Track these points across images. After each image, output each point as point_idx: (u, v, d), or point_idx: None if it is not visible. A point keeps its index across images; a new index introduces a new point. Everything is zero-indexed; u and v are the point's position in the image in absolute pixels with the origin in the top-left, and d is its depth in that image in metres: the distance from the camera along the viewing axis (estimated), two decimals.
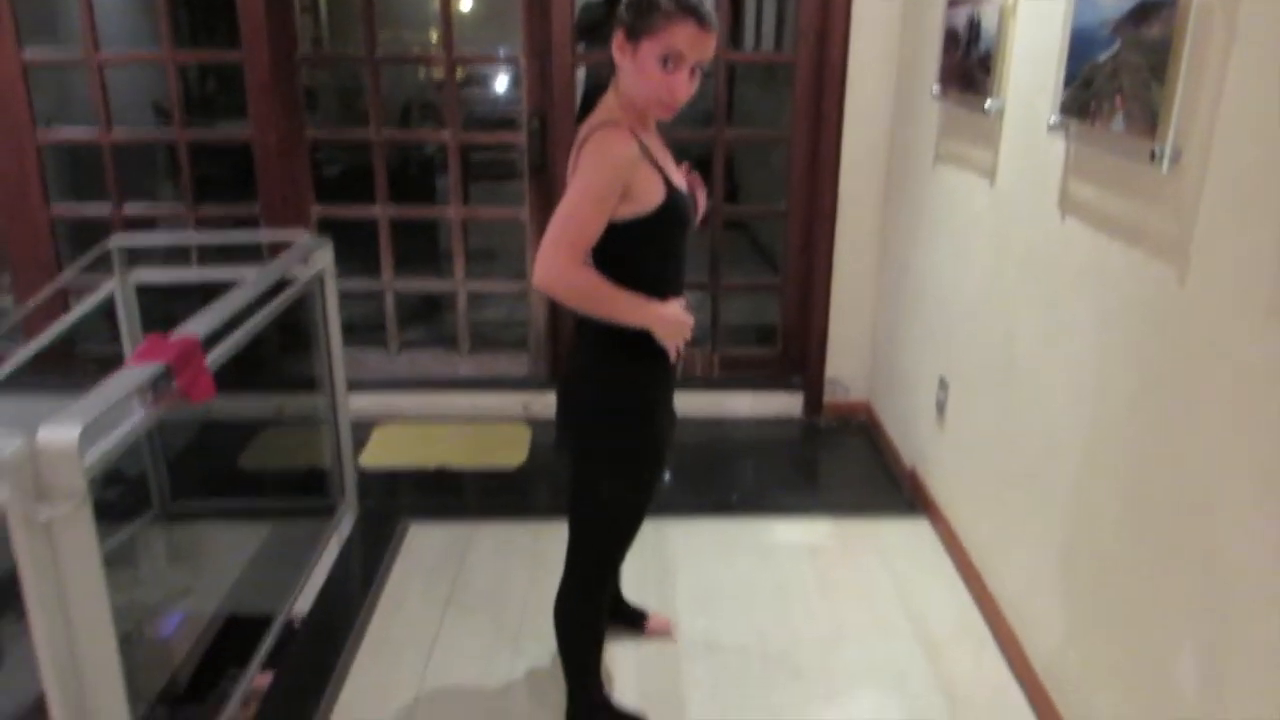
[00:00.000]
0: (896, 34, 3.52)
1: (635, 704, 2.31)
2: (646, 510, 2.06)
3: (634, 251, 1.82)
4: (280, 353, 3.98)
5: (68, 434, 1.58)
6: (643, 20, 1.74)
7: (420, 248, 4.84)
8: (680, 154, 2.08)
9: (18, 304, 3.99)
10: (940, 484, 3.08)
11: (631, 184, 1.75)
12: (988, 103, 2.57)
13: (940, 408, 3.03)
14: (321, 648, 2.54)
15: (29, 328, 3.82)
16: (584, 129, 1.81)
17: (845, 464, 3.65)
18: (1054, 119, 2.17)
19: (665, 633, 2.56)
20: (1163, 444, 1.80)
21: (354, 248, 4.01)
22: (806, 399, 3.95)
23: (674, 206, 1.82)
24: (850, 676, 2.43)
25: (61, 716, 1.67)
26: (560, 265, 1.72)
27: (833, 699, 2.35)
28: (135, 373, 1.83)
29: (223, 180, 4.53)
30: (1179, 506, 1.74)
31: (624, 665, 2.46)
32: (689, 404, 3.91)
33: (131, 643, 2.91)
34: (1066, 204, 2.19)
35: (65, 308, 3.66)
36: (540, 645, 2.52)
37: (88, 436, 1.62)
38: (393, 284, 3.94)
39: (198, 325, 2.08)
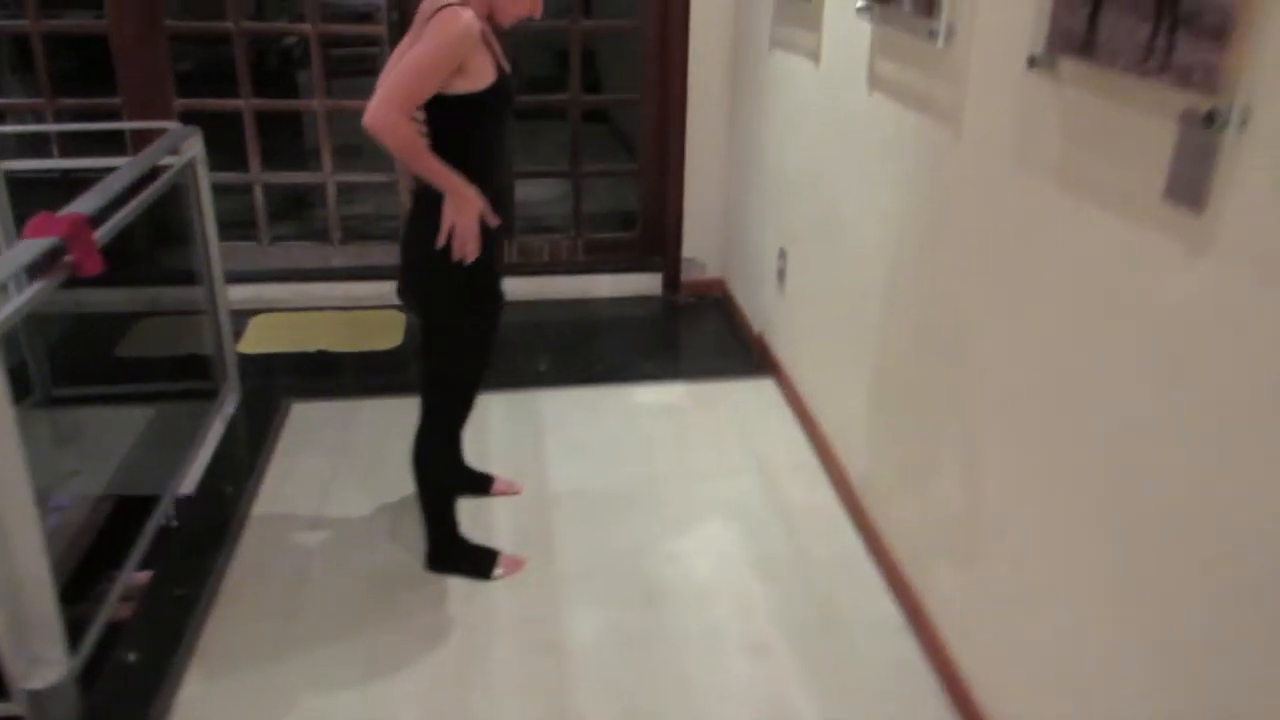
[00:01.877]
0: None
1: (510, 543, 2.60)
2: (489, 350, 2.33)
3: (465, 124, 2.08)
4: (153, 245, 4.03)
5: None
6: None
7: (285, 144, 4.87)
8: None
9: None
10: (782, 345, 3.42)
11: (468, 61, 2.01)
12: None
13: (780, 276, 3.35)
14: (214, 514, 2.72)
15: None
16: (427, 6, 2.03)
17: (701, 335, 3.97)
18: (861, 2, 2.44)
19: (513, 492, 2.82)
20: (938, 281, 2.14)
21: (219, 143, 4.05)
22: (665, 278, 4.23)
23: (501, 87, 2.09)
24: (701, 509, 2.76)
25: None
26: (390, 115, 1.97)
27: (685, 528, 2.68)
28: (29, 245, 1.96)
29: (75, 74, 4.46)
30: (949, 329, 2.08)
31: (499, 514, 2.73)
32: (555, 287, 4.18)
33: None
34: (874, 80, 2.48)
35: None
36: (415, 505, 2.76)
37: None
38: (260, 176, 4.02)
39: (84, 204, 2.20)
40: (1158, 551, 1.44)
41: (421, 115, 2.07)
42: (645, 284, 4.25)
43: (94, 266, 2.11)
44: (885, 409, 2.50)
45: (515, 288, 4.07)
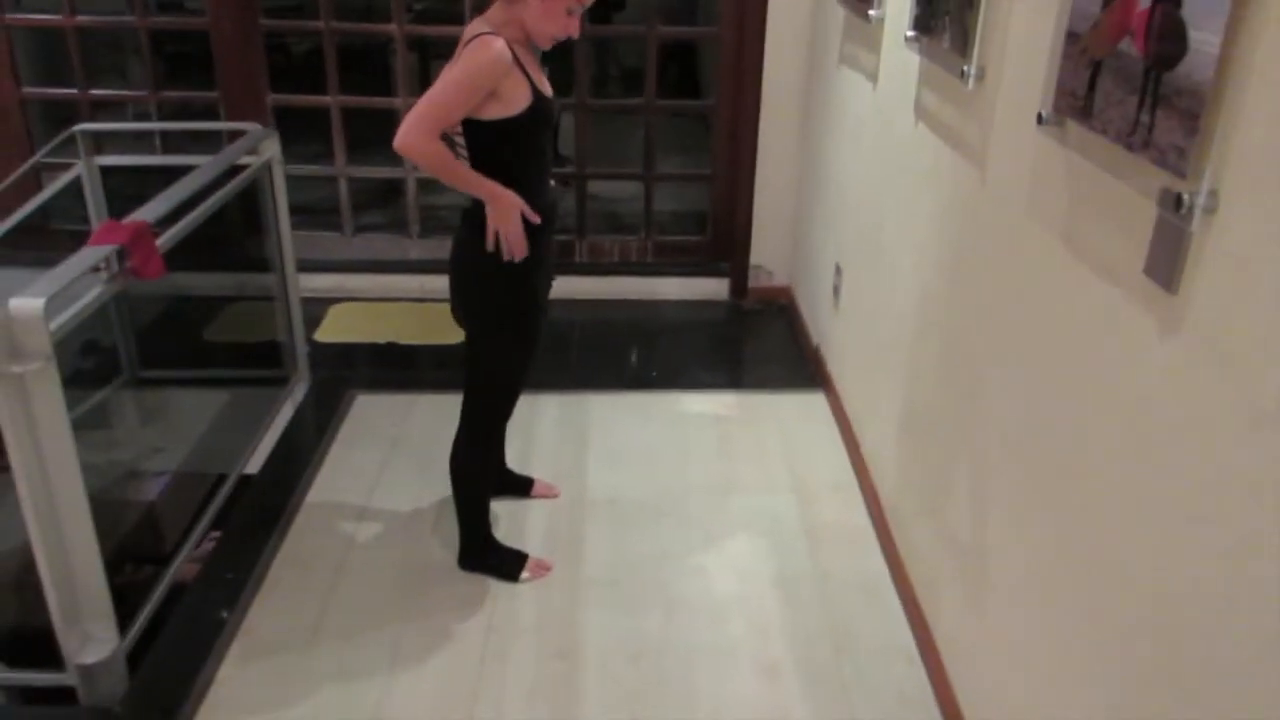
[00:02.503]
0: None
1: (540, 548, 2.69)
2: (529, 365, 2.42)
3: (502, 148, 2.16)
4: (245, 234, 4.25)
5: (35, 304, 1.89)
6: None
7: (380, 131, 5.03)
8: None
9: None
10: (835, 361, 3.42)
11: (501, 87, 2.08)
12: (871, 11, 2.81)
13: (836, 291, 3.35)
14: (270, 501, 2.89)
15: (4, 204, 4.08)
16: (469, 30, 2.13)
17: (761, 344, 3.99)
18: (910, 32, 2.42)
19: (552, 496, 2.91)
20: (958, 316, 2.13)
21: (315, 132, 4.24)
22: (732, 283, 4.25)
23: (538, 109, 2.15)
24: (731, 523, 2.81)
25: (41, 543, 2.03)
26: (420, 135, 2.06)
27: (713, 542, 2.73)
28: (92, 252, 2.13)
29: (198, 57, 4.69)
30: (965, 366, 2.08)
31: (534, 516, 2.83)
32: (622, 287, 4.24)
33: (120, 503, 3.29)
34: (919, 110, 2.47)
35: (39, 185, 3.90)
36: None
37: (52, 306, 1.93)
38: (345, 170, 4.19)
39: (148, 211, 2.37)
40: (1129, 614, 1.44)
41: (461, 140, 2.17)
42: (712, 288, 4.28)
43: (154, 271, 2.27)
44: (912, 434, 2.50)
45: (583, 286, 4.19)
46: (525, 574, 2.57)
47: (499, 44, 2.06)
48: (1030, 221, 1.78)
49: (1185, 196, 1.24)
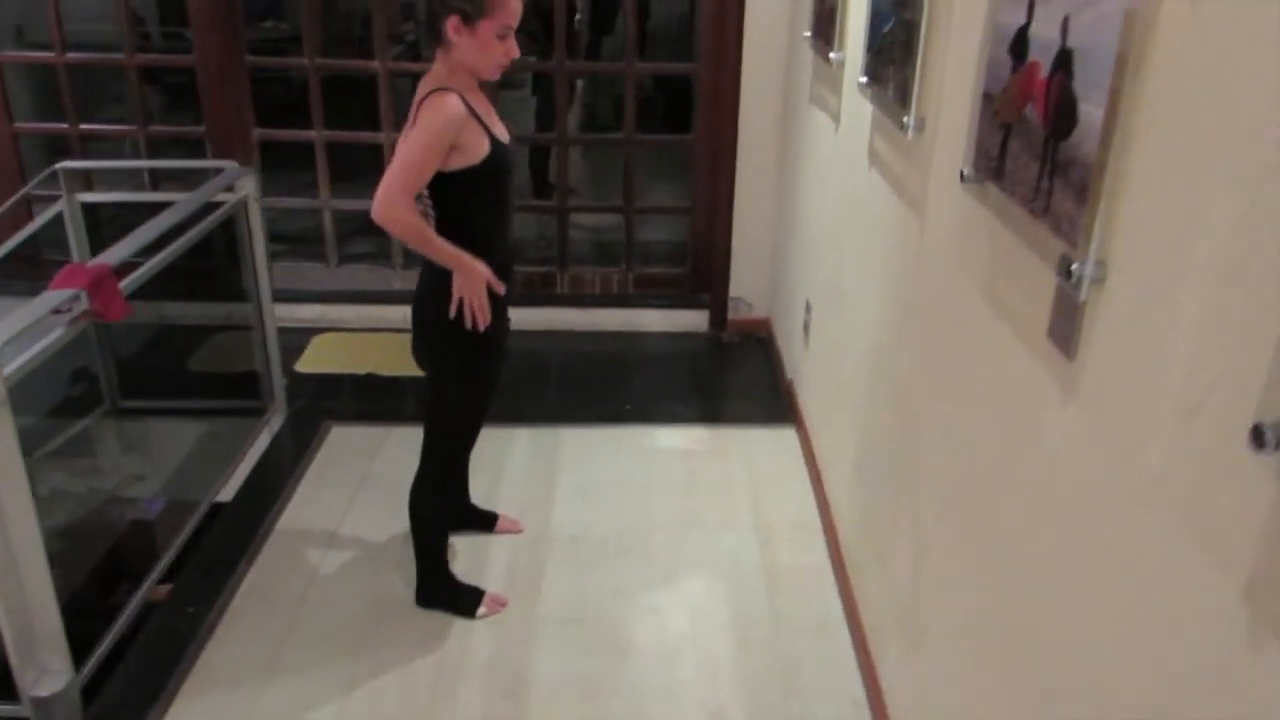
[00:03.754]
0: None
1: (501, 583, 2.71)
2: (488, 407, 2.47)
3: (466, 197, 2.20)
4: (229, 264, 4.31)
5: None
6: (476, 6, 2.09)
7: (368, 162, 5.10)
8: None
9: None
10: (806, 397, 3.44)
11: (459, 139, 2.12)
12: (832, 54, 2.84)
13: (806, 328, 3.37)
14: (239, 531, 2.93)
15: None
16: (421, 89, 2.16)
17: (738, 377, 4.01)
18: (862, 79, 2.45)
19: (515, 531, 2.93)
20: (902, 365, 2.15)
21: (306, 158, 4.30)
22: (712, 315, 4.28)
23: (497, 158, 2.19)
24: (691, 562, 2.82)
25: None
26: (393, 208, 2.10)
27: (671, 581, 2.75)
28: (50, 297, 2.17)
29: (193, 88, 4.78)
30: (905, 416, 2.09)
31: (496, 552, 2.85)
32: (604, 319, 4.27)
33: (117, 523, 3.34)
34: (872, 156, 2.49)
35: (30, 216, 3.97)
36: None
37: (7, 352, 1.98)
38: (329, 203, 4.24)
39: (113, 254, 2.42)
40: (1044, 673, 1.45)
41: (426, 192, 2.20)
42: (693, 320, 4.31)
43: (116, 313, 2.32)
44: (866, 478, 2.52)
45: (563, 318, 4.23)
46: (482, 609, 2.60)
47: (451, 99, 2.10)
48: (961, 275, 1.80)
49: (1075, 266, 1.26)
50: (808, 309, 3.34)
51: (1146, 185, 1.15)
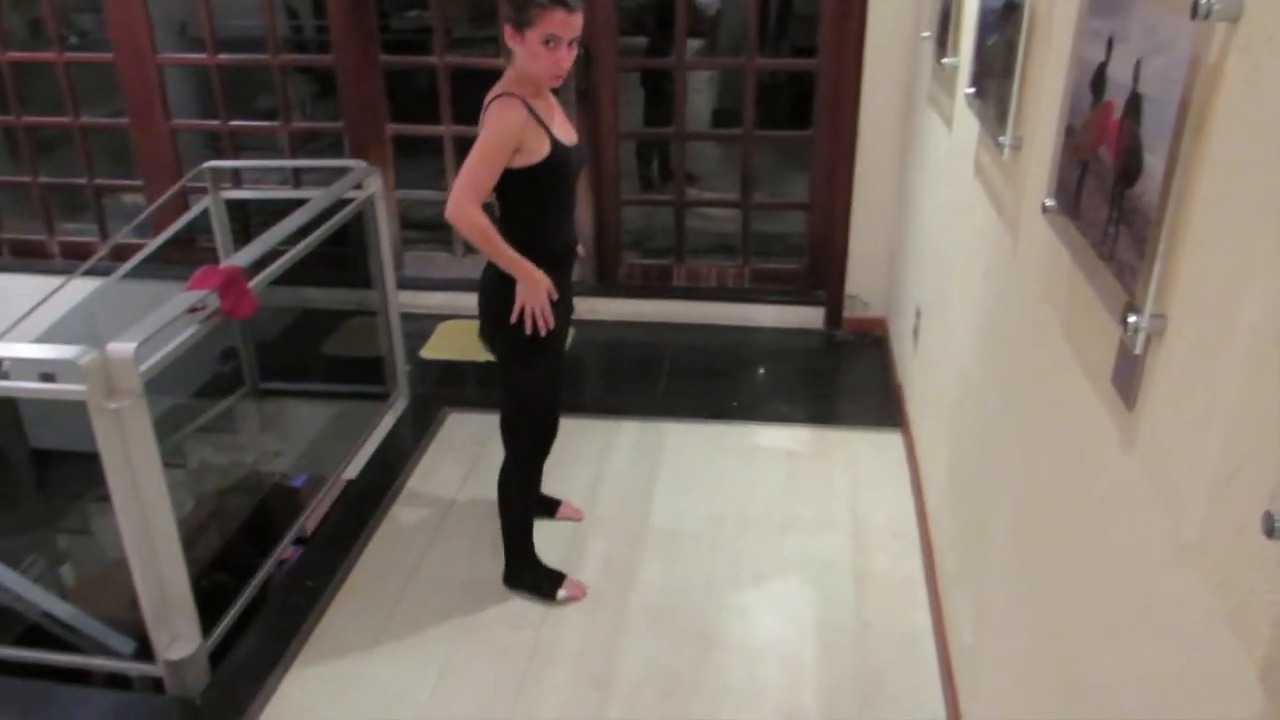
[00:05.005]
0: None
1: (596, 575, 2.81)
2: (556, 393, 2.61)
3: (529, 193, 2.33)
4: (363, 253, 4.54)
5: (127, 348, 2.13)
6: (522, 15, 2.21)
7: None
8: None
9: (148, 201, 4.66)
10: (913, 403, 3.40)
11: (523, 142, 2.25)
12: (945, 59, 2.79)
13: (915, 333, 3.33)
14: (357, 512, 3.12)
15: (157, 222, 4.49)
16: (488, 96, 2.30)
17: (848, 377, 3.99)
18: (969, 89, 2.41)
19: (576, 518, 3.04)
20: (992, 387, 2.12)
21: (435, 149, 4.49)
22: (827, 313, 4.26)
23: (557, 158, 2.31)
24: (783, 564, 2.85)
25: (135, 555, 2.28)
26: (464, 209, 2.24)
27: (762, 582, 2.79)
28: (185, 298, 2.37)
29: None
30: (990, 433, 2.07)
31: (595, 544, 2.95)
32: (717, 313, 4.31)
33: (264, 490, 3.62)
34: (977, 167, 2.45)
35: (186, 206, 4.28)
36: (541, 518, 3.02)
37: (143, 349, 2.17)
38: None
39: (244, 255, 2.61)
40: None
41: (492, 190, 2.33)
42: (807, 317, 4.30)
43: (245, 311, 2.50)
44: (956, 493, 2.50)
45: (678, 311, 4.30)
46: (562, 593, 2.71)
47: (512, 105, 2.23)
48: (1044, 305, 1.77)
49: (1132, 319, 1.24)
50: (918, 314, 3.30)
51: (1205, 242, 1.13)
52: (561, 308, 2.49)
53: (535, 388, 2.56)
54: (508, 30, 2.23)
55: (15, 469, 3.73)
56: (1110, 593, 1.34)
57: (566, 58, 2.25)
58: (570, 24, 2.20)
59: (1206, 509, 1.08)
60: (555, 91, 2.40)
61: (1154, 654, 1.18)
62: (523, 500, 2.71)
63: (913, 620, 2.64)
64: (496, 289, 2.41)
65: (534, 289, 2.33)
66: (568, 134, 2.38)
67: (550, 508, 3.05)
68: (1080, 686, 1.45)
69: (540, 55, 2.21)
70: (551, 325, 2.38)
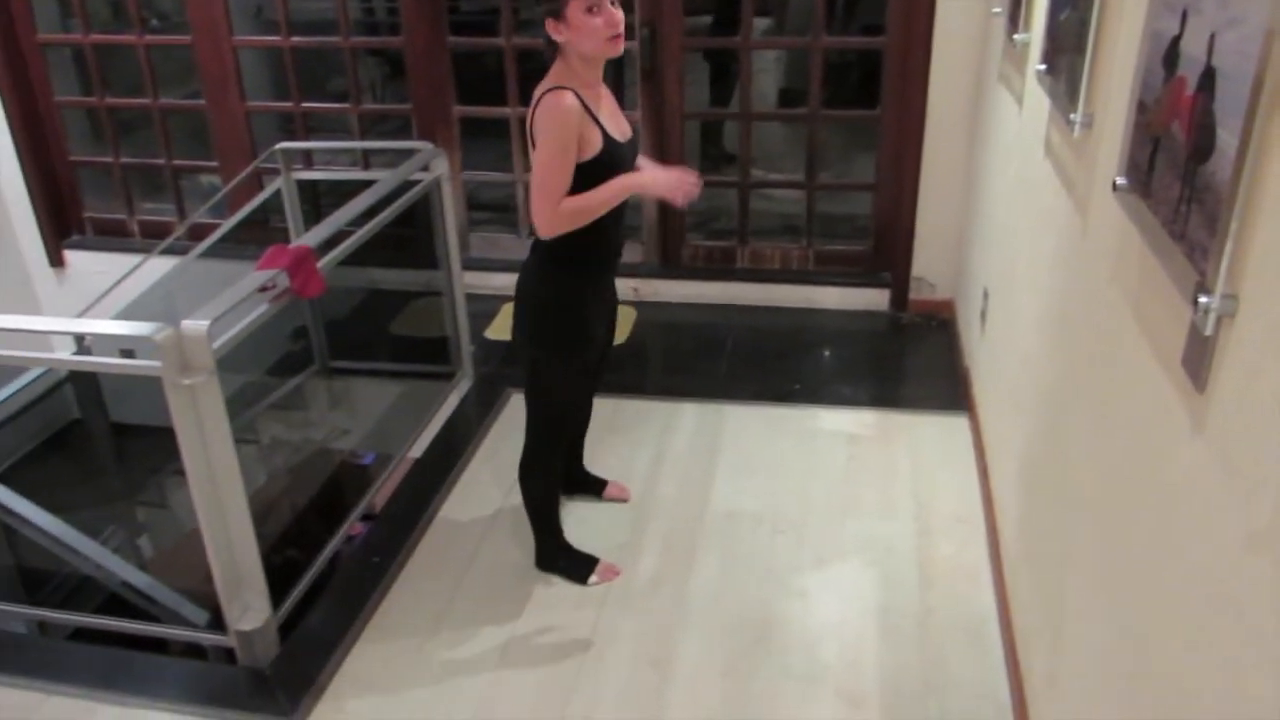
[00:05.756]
0: None
1: (656, 559, 2.82)
2: (584, 388, 2.66)
3: (579, 190, 2.27)
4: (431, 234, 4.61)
5: (200, 326, 2.19)
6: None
7: None
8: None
9: (224, 182, 4.78)
10: (979, 387, 3.35)
11: (580, 134, 2.21)
12: (1016, 35, 2.73)
13: (983, 316, 3.27)
14: (421, 491, 3.17)
15: (233, 202, 4.61)
16: (536, 93, 2.26)
17: (913, 360, 3.94)
18: (1040, 66, 2.35)
19: (623, 498, 3.05)
20: (1061, 371, 2.08)
21: (499, 137, 4.52)
22: (893, 295, 4.20)
23: (610, 154, 2.27)
24: (842, 548, 2.84)
25: (208, 528, 2.36)
26: (551, 213, 2.23)
27: (822, 565, 2.78)
28: (256, 277, 2.43)
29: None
30: (1061, 417, 2.03)
31: (656, 525, 2.96)
32: (782, 295, 4.28)
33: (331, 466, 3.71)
34: (1047, 146, 2.39)
35: (260, 186, 4.38)
36: (588, 502, 3.06)
37: (216, 327, 2.23)
38: (522, 176, 4.44)
39: (312, 236, 2.66)
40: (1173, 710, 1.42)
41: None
42: (872, 299, 4.25)
43: (314, 290, 2.55)
44: (1025, 478, 2.45)
45: (742, 293, 4.28)
46: (594, 578, 2.74)
47: (567, 96, 2.19)
48: (1114, 286, 1.73)
49: (1203, 299, 1.20)
50: (985, 296, 3.24)
51: (1278, 222, 1.09)
52: (605, 309, 2.52)
53: (564, 381, 2.58)
54: (549, 24, 2.18)
55: (96, 442, 3.87)
56: (1184, 580, 1.30)
57: (617, 15, 2.19)
58: None
59: (1276, 496, 1.05)
60: (619, 71, 2.38)
61: (1227, 644, 1.15)
62: (544, 482, 2.72)
63: (977, 606, 2.61)
64: (535, 280, 2.44)
65: (651, 187, 2.38)
66: (620, 127, 2.35)
67: (598, 488, 3.07)
68: (1152, 674, 1.42)
69: (589, 26, 2.15)
70: (698, 186, 2.39)
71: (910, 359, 3.96)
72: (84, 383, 3.81)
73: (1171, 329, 1.38)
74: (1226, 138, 1.17)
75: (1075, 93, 1.97)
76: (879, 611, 2.61)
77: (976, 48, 3.72)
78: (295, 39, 4.32)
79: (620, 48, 2.24)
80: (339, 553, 2.92)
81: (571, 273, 2.42)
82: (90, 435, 3.93)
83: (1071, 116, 1.96)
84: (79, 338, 3.63)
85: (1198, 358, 1.28)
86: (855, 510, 2.99)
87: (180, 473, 2.30)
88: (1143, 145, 1.49)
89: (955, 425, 3.39)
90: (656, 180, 2.38)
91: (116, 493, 3.86)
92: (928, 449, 3.27)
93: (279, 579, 2.57)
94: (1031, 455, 2.39)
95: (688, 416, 3.49)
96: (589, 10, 2.15)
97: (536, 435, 2.66)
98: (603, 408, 3.50)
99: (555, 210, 2.22)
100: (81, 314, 3.86)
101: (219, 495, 2.36)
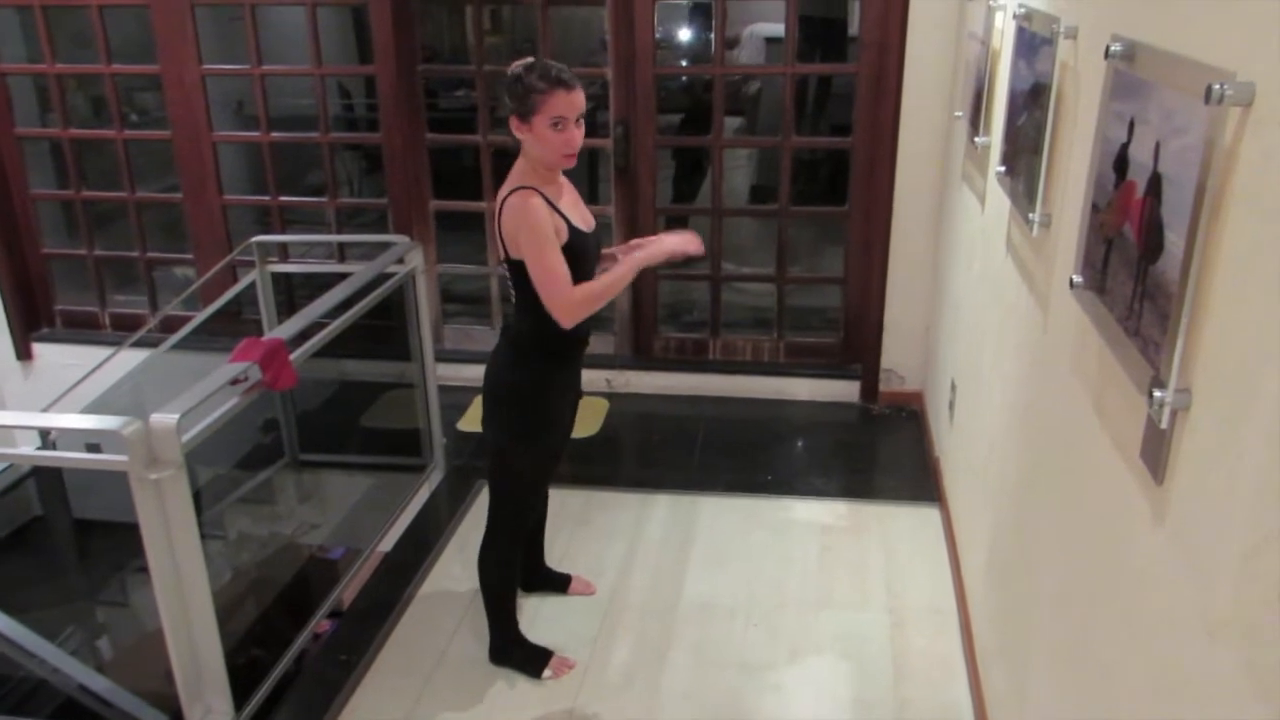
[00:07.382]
0: (952, 45, 3.72)
1: (629, 653, 2.78)
2: (549, 477, 2.66)
3: None
4: (404, 325, 4.63)
5: (169, 420, 2.18)
6: (524, 104, 2.24)
7: None
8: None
9: (199, 274, 4.80)
10: (950, 477, 3.37)
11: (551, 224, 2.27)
12: (977, 138, 2.83)
13: (951, 407, 3.31)
14: (391, 585, 3.12)
15: (206, 295, 4.62)
16: (500, 193, 2.32)
17: (885, 451, 3.96)
18: (999, 168, 2.44)
19: (588, 592, 3.02)
20: (1026, 463, 2.10)
21: (474, 230, 4.59)
22: (863, 386, 4.25)
23: (575, 245, 2.31)
24: (817, 641, 2.81)
25: (170, 627, 2.31)
26: (567, 301, 2.26)
27: (797, 659, 2.75)
28: (227, 369, 2.42)
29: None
30: (1026, 509, 2.05)
31: (629, 619, 2.93)
32: (752, 386, 4.31)
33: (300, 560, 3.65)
34: (1008, 244, 2.46)
35: (234, 278, 4.39)
36: (557, 596, 3.03)
37: (186, 420, 2.22)
38: (497, 269, 4.49)
39: (286, 328, 2.67)
40: None
41: (509, 278, 2.37)
42: (843, 390, 4.29)
43: (286, 383, 2.55)
44: (995, 569, 2.46)
45: (714, 384, 4.31)
46: (548, 672, 2.70)
47: (527, 197, 2.25)
48: (1074, 380, 1.77)
49: (1157, 393, 1.24)
50: (953, 388, 3.29)
51: (1226, 318, 1.13)
52: (570, 396, 2.55)
53: (530, 470, 2.58)
54: (514, 122, 2.25)
55: (58, 539, 3.80)
56: (1148, 670, 1.31)
57: (576, 136, 2.27)
58: (573, 102, 2.23)
59: (1234, 585, 1.06)
60: (593, 167, 2.45)
61: None
62: (501, 574, 2.70)
63: (951, 699, 2.58)
64: (504, 367, 2.47)
65: (653, 258, 2.41)
66: (583, 218, 2.40)
67: (562, 584, 3.05)
68: None
69: (550, 139, 2.23)
70: (700, 243, 2.44)
71: (881, 450, 3.98)
72: (47, 478, 3.76)
73: (1130, 421, 1.42)
74: (1174, 239, 1.22)
75: (1033, 194, 2.04)
76: (854, 704, 2.58)
77: (940, 148, 3.84)
78: (275, 134, 4.39)
79: (572, 163, 2.33)
80: (305, 651, 2.85)
81: (540, 360, 2.45)
82: (51, 532, 3.86)
83: (1030, 216, 2.03)
84: (44, 432, 3.59)
85: (1155, 450, 1.31)
86: (829, 602, 2.98)
87: (144, 570, 2.26)
88: (1097, 245, 1.54)
89: (927, 516, 3.40)
90: (664, 242, 2.43)
91: (77, 592, 3.77)
92: (900, 540, 3.27)
93: (243, 679, 2.50)
94: (999, 546, 2.40)
95: (660, 508, 3.48)
96: (554, 125, 2.23)
97: (499, 522, 2.66)
98: (574, 500, 3.51)
99: (570, 297, 2.25)
100: (48, 407, 3.82)
101: (183, 593, 2.31)
